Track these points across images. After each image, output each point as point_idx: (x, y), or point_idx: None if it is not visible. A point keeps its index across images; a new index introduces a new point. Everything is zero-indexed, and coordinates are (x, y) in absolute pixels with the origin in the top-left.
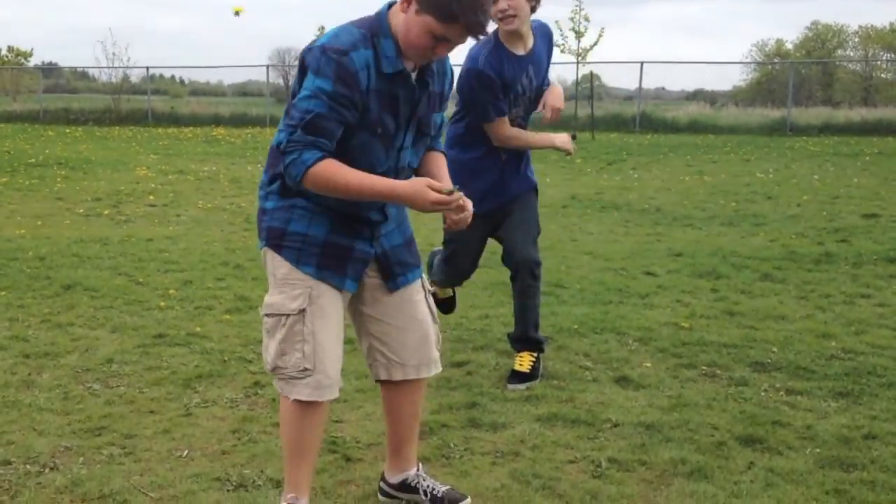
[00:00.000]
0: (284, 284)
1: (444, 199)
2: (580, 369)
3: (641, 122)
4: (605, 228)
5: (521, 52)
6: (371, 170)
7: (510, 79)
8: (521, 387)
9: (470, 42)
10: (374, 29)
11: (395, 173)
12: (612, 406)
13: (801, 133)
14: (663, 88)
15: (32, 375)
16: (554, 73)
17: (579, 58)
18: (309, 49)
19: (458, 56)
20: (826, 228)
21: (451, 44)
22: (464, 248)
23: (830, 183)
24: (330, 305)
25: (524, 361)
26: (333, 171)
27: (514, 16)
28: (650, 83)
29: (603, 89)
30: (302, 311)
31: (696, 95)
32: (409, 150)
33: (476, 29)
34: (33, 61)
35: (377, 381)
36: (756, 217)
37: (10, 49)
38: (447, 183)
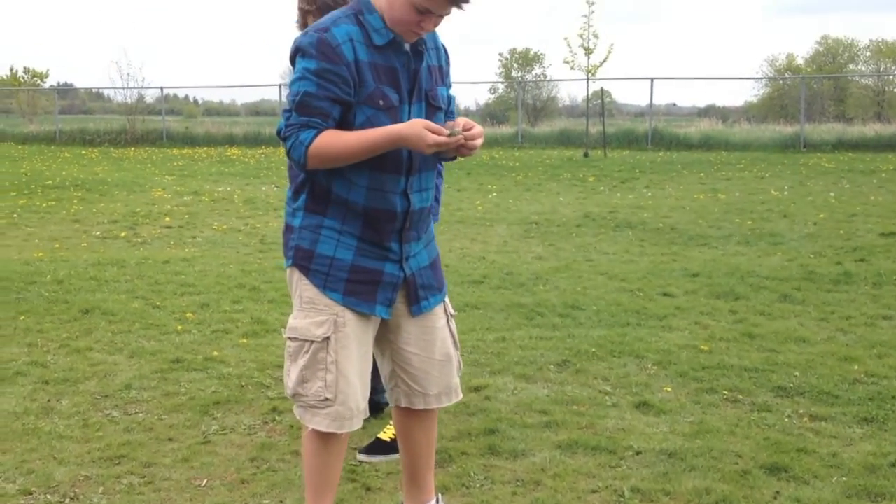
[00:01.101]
0: (310, 309)
1: (442, 140)
2: (599, 394)
3: (653, 138)
4: (619, 248)
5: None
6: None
7: None
8: (378, 459)
9: (456, 13)
10: (356, 7)
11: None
12: (634, 433)
13: (815, 149)
14: (674, 104)
15: (52, 402)
16: (565, 91)
17: (589, 74)
18: (297, 38)
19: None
20: (844, 247)
21: (436, 15)
22: None
23: (846, 200)
24: (356, 333)
25: (390, 430)
26: (331, 141)
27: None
28: (661, 99)
29: (614, 106)
30: (326, 339)
31: (708, 111)
32: None
33: None
34: (49, 82)
35: (395, 406)
36: (772, 236)
37: (26, 70)
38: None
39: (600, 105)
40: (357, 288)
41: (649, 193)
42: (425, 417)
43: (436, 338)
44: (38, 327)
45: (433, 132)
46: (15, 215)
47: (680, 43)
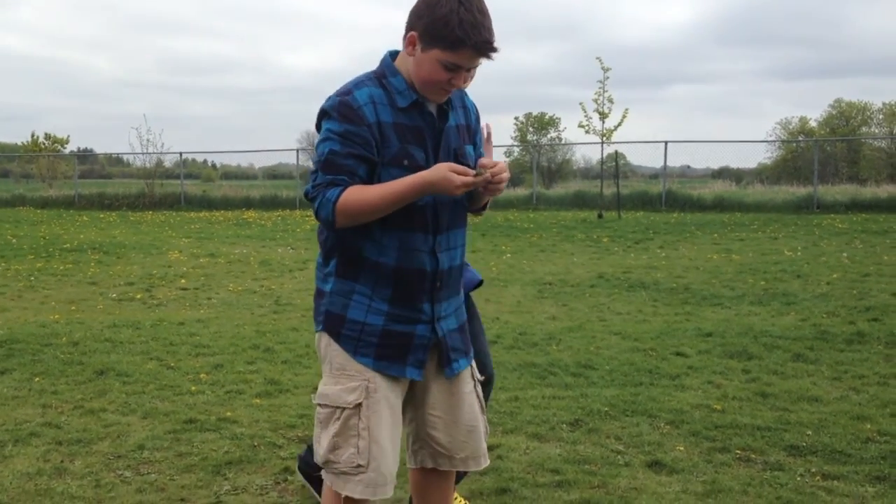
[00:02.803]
0: (341, 375)
1: (469, 181)
2: (612, 453)
3: (667, 200)
4: (633, 308)
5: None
6: (412, 205)
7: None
8: None
9: (485, 64)
10: (380, 71)
11: (441, 207)
12: (646, 492)
13: (829, 210)
14: (688, 167)
15: (65, 462)
16: (580, 153)
17: (604, 138)
18: (324, 102)
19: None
20: (857, 307)
21: (464, 70)
22: None
23: (860, 260)
24: (387, 398)
25: None
26: (357, 195)
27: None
28: (675, 161)
29: (628, 168)
30: (358, 406)
31: (722, 173)
32: None
33: (484, 48)
34: (69, 148)
35: (418, 467)
36: (786, 296)
37: (47, 136)
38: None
39: (615, 167)
40: (388, 352)
41: (663, 254)
42: (444, 477)
43: (463, 402)
44: (52, 389)
45: (459, 174)
46: (32, 278)
47: (694, 106)
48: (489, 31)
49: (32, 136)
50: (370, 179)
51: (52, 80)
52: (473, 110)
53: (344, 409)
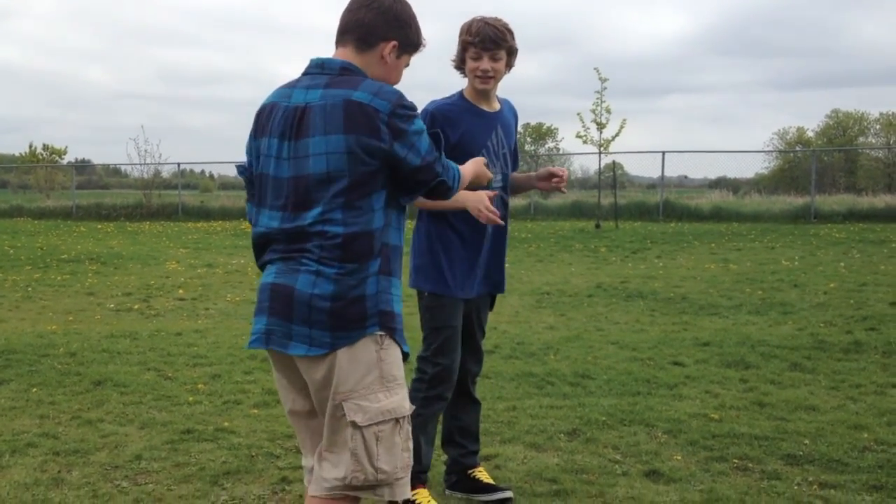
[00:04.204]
0: (394, 384)
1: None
2: (609, 462)
3: (665, 210)
4: (631, 318)
5: (486, 108)
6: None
7: (468, 132)
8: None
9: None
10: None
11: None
12: (643, 501)
13: (826, 220)
14: (686, 177)
15: (62, 473)
16: (577, 163)
17: (601, 148)
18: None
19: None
20: (854, 317)
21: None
22: (453, 328)
23: (857, 270)
24: None
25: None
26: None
27: (493, 77)
28: (672, 171)
29: (626, 178)
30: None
31: (719, 183)
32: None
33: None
34: (67, 159)
35: None
36: (783, 305)
37: (45, 147)
38: None
39: (612, 178)
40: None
41: (661, 264)
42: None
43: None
44: (50, 399)
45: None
46: (30, 288)
47: (691, 116)
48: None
49: (30, 146)
50: None
51: (49, 91)
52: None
53: (404, 417)
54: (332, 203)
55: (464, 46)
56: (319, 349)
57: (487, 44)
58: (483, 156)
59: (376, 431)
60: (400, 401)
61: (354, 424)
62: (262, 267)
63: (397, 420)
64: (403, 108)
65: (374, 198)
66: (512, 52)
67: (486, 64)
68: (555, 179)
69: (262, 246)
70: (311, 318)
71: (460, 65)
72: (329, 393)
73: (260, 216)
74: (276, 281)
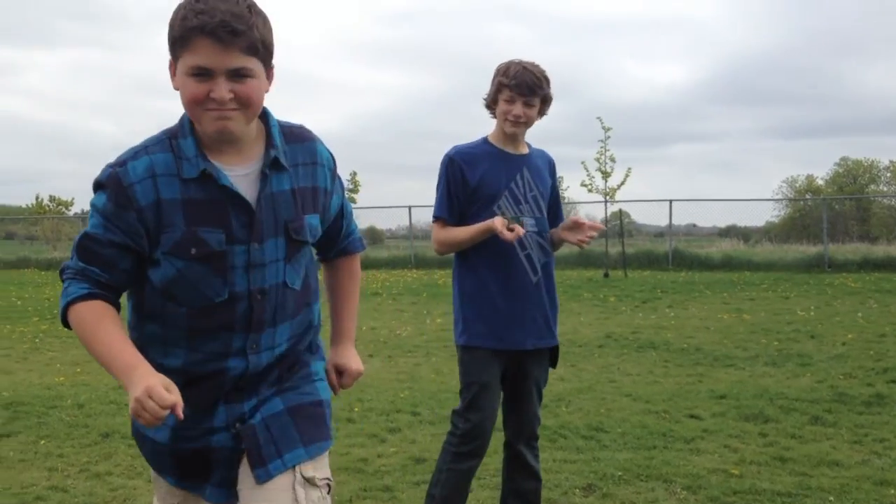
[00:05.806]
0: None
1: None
2: None
3: (674, 258)
4: (643, 369)
5: (512, 151)
6: (209, 303)
7: (488, 173)
8: None
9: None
10: (174, 130)
11: (255, 298)
12: None
13: (840, 269)
14: (694, 225)
15: None
16: (583, 212)
17: (607, 197)
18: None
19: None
20: (875, 368)
21: (220, 75)
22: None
23: (875, 320)
24: None
25: None
26: (87, 321)
27: (524, 123)
28: (680, 219)
29: (633, 226)
30: None
31: (729, 231)
32: (280, 265)
33: (219, 30)
34: (74, 210)
35: None
36: (801, 357)
37: (51, 199)
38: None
39: (619, 226)
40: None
41: (672, 314)
42: None
43: None
44: (58, 451)
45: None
46: (37, 340)
47: (696, 164)
48: (228, 13)
49: (37, 198)
50: (143, 273)
51: (56, 143)
52: (329, 165)
53: None
54: None
55: (498, 87)
56: None
57: (523, 89)
58: (506, 198)
59: None
60: None
61: None
62: None
63: None
64: (94, 183)
65: None
66: (547, 101)
67: (518, 109)
68: (581, 237)
69: None
70: None
71: (491, 104)
72: None
73: None
74: None
